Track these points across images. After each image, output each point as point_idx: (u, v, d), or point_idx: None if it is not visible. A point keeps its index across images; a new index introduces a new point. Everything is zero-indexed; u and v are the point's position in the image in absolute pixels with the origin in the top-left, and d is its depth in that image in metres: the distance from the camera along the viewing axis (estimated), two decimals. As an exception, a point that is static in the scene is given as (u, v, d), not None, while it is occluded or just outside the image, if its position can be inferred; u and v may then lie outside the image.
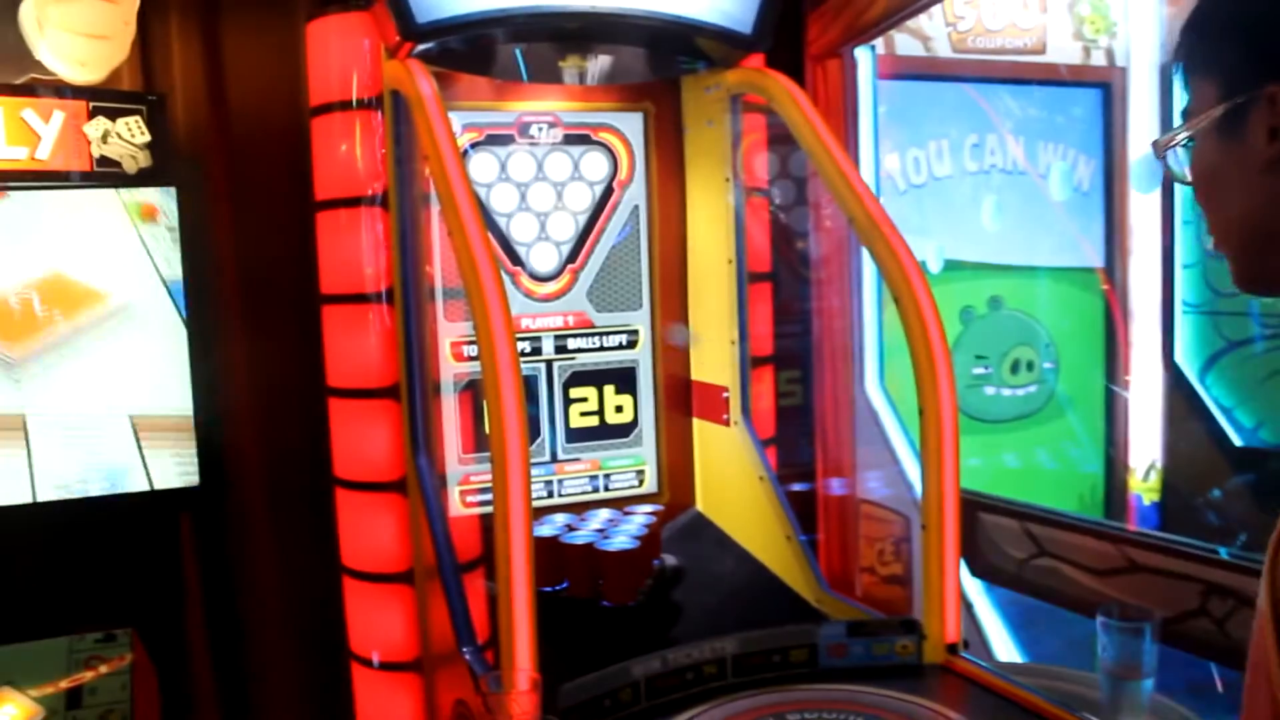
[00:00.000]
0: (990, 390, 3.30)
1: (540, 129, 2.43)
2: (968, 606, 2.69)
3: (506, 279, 2.17)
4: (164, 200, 2.34)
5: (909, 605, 2.71)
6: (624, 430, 2.52)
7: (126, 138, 2.32)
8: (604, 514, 2.40)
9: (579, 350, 2.48)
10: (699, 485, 2.59)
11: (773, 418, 2.59)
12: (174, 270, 2.35)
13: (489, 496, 1.69)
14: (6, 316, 2.25)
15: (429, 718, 2.11)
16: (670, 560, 2.31)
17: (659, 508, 2.45)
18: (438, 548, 2.01)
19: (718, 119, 2.43)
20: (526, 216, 2.43)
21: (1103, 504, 3.43)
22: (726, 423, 2.46)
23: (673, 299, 2.55)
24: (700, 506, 2.59)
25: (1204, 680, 2.13)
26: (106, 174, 2.31)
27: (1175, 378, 3.33)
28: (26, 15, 2.26)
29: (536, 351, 2.44)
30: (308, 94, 2.17)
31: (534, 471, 2.16)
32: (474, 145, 2.37)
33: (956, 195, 3.22)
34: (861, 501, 2.95)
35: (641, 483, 2.55)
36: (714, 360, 2.51)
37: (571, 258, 2.47)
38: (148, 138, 2.35)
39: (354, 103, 2.07)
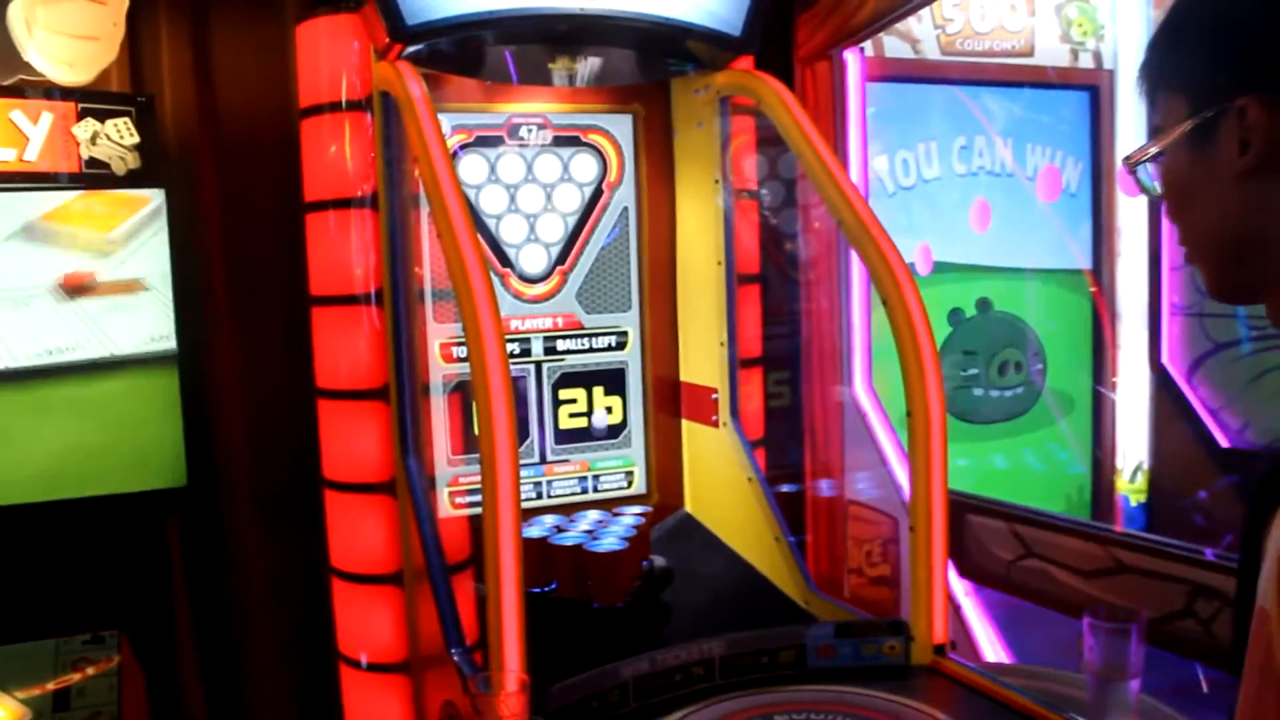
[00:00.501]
0: (978, 391, 3.31)
1: (530, 131, 2.43)
2: (955, 607, 2.69)
3: (496, 280, 2.17)
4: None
5: (897, 606, 2.72)
6: (614, 431, 2.53)
7: (115, 139, 2.31)
8: (593, 515, 2.40)
9: (568, 351, 2.49)
10: (688, 486, 2.60)
11: (761, 419, 2.59)
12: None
13: (478, 498, 1.68)
14: None
15: (417, 719, 2.11)
16: (659, 561, 2.31)
17: (648, 509, 2.45)
18: (426, 549, 2.00)
19: (707, 121, 2.43)
20: (516, 218, 2.43)
21: (1090, 505, 3.45)
22: (715, 424, 2.47)
23: (662, 301, 2.56)
24: (689, 508, 2.59)
25: (1190, 681, 2.14)
26: (95, 175, 2.31)
27: (1162, 379, 3.35)
28: (15, 16, 2.25)
29: (526, 353, 2.44)
30: (297, 95, 2.17)
31: (523, 473, 2.18)
32: (463, 147, 2.37)
33: (945, 197, 3.23)
34: (850, 503, 2.96)
35: (630, 484, 2.55)
36: (703, 362, 2.52)
37: (561, 259, 2.47)
38: (137, 139, 2.35)
39: (343, 104, 2.07)
